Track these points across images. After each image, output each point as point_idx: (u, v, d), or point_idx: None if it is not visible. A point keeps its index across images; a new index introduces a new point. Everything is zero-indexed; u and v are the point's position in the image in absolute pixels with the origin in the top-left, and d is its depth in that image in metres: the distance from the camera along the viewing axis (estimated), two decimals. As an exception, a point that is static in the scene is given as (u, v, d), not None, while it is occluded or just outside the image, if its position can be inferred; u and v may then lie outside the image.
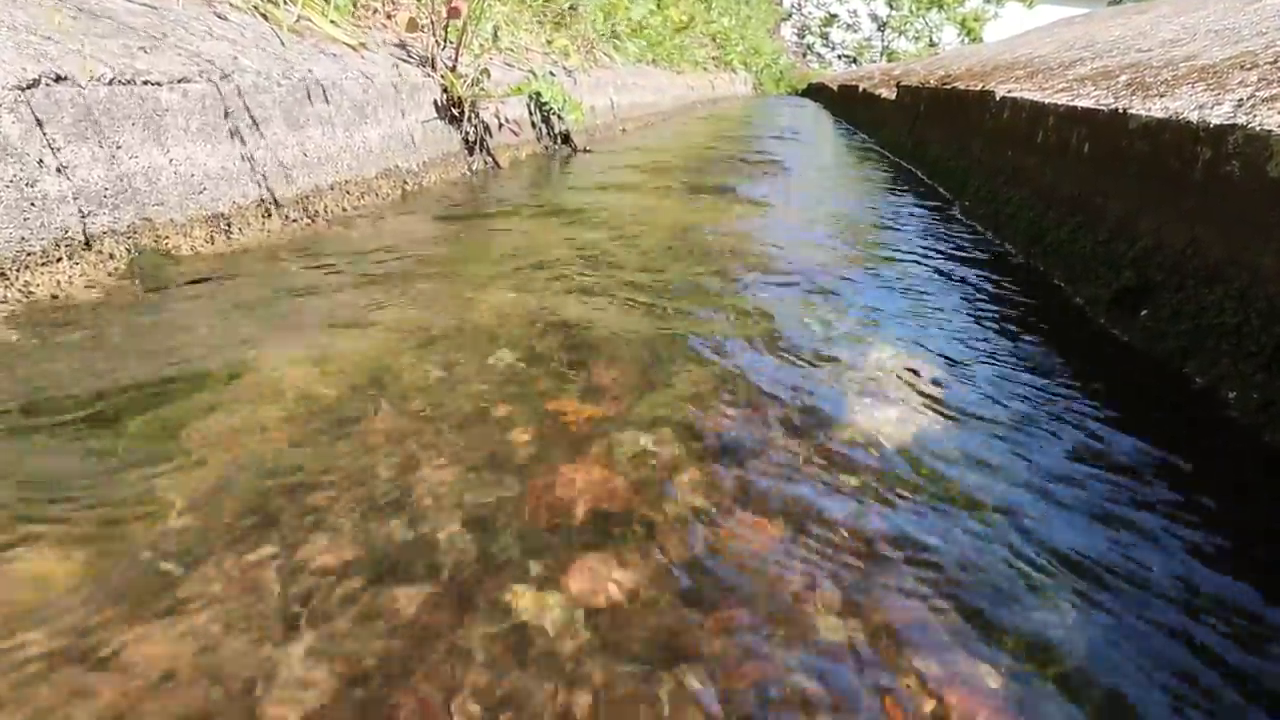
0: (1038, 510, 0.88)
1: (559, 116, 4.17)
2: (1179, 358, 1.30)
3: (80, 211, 1.40)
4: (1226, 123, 1.34)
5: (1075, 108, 2.08)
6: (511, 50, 4.07)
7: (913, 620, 0.71)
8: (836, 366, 1.28)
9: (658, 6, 8.23)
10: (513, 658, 0.64)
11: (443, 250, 1.93)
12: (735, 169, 3.98)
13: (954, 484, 0.93)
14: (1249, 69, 1.69)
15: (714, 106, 11.05)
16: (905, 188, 3.50)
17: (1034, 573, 0.78)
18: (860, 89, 8.51)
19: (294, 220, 2.01)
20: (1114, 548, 0.82)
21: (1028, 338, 1.46)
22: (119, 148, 1.50)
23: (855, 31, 26.87)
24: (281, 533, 0.77)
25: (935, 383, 1.23)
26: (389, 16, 3.23)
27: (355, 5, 2.96)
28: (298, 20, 2.46)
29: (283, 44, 2.25)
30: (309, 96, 2.17)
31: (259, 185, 1.90)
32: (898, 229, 2.49)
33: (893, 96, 5.88)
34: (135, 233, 1.52)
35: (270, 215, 1.92)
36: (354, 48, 2.65)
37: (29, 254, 1.30)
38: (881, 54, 25.37)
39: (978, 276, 1.91)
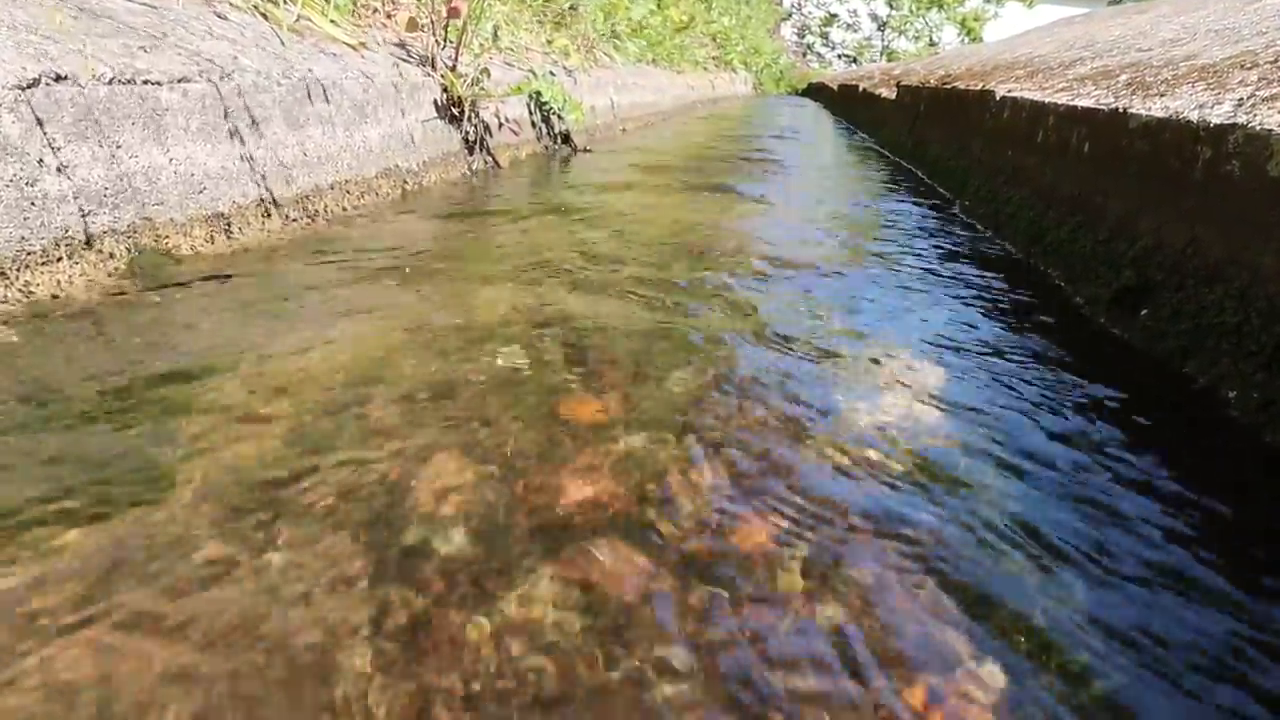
0: (1036, 508, 0.88)
1: (559, 116, 4.17)
2: (1179, 357, 1.30)
3: (80, 211, 1.40)
4: (1227, 122, 1.34)
5: (1075, 107, 2.08)
6: (511, 50, 4.07)
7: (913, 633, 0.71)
8: (836, 364, 1.27)
9: (658, 6, 8.23)
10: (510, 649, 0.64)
11: (443, 249, 1.93)
12: (735, 168, 3.98)
13: (953, 482, 0.93)
14: (1249, 68, 1.69)
15: (714, 106, 11.05)
16: (905, 187, 3.50)
17: (1034, 571, 0.77)
18: (860, 89, 8.50)
19: (294, 220, 2.01)
20: (1113, 547, 0.82)
21: (1028, 337, 1.46)
22: (119, 147, 1.50)
23: (855, 31, 26.87)
24: (285, 521, 0.77)
25: (934, 381, 1.23)
26: (389, 16, 3.23)
27: (355, 5, 2.96)
28: (298, 20, 2.46)
29: (283, 43, 2.25)
30: (309, 96, 2.17)
31: (259, 185, 1.90)
32: (898, 229, 2.49)
33: (893, 96, 5.88)
34: (135, 232, 1.52)
35: (270, 215, 1.92)
36: (354, 47, 2.65)
37: (29, 253, 1.30)
38: (881, 54, 25.36)
39: (977, 276, 1.91)
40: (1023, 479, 0.95)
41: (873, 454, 0.99)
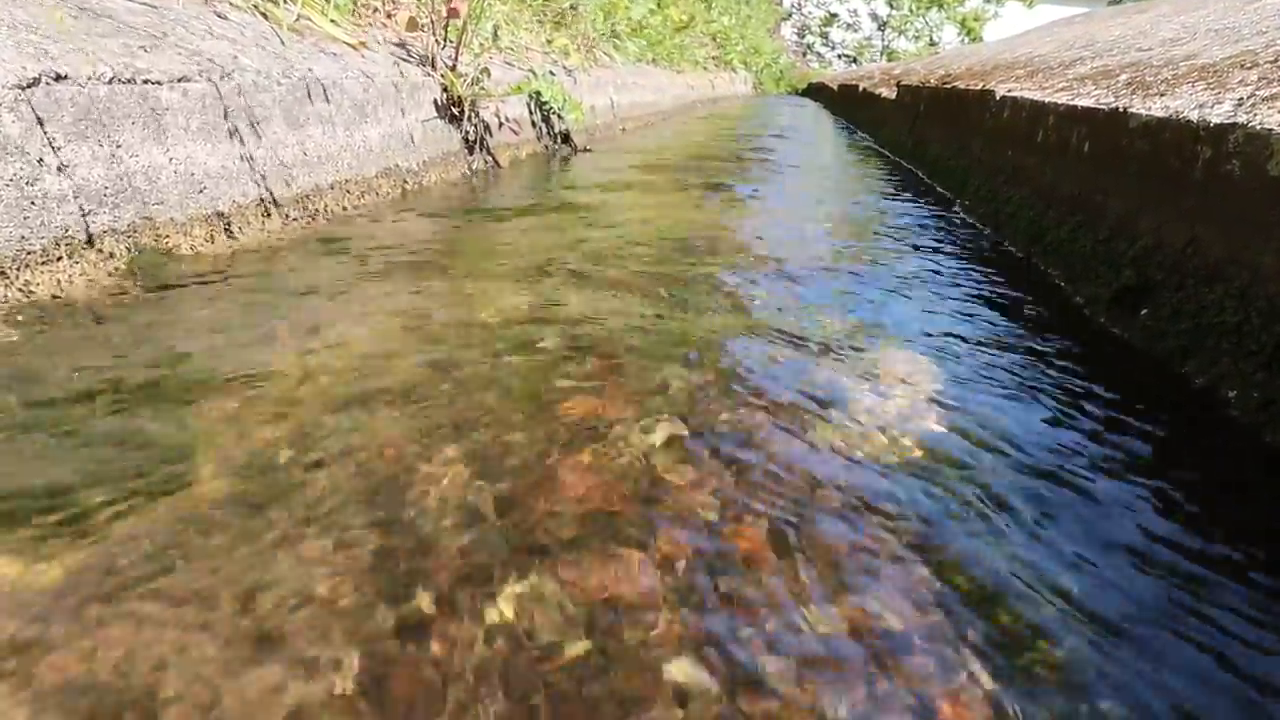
0: (1034, 506, 0.88)
1: (559, 116, 4.17)
2: (1179, 357, 1.30)
3: (80, 210, 1.40)
4: (1227, 121, 1.34)
5: (1075, 107, 2.08)
6: (511, 49, 4.07)
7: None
8: (835, 361, 1.27)
9: (658, 6, 8.23)
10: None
11: (443, 248, 1.93)
12: (735, 168, 3.98)
13: (952, 478, 0.93)
14: (1249, 68, 1.69)
15: (714, 106, 11.05)
16: (905, 187, 3.50)
17: (1029, 566, 0.78)
18: (860, 88, 8.51)
19: (294, 219, 2.01)
20: (1112, 546, 0.82)
21: (1027, 336, 1.46)
22: (119, 146, 1.50)
23: (855, 31, 26.88)
24: (286, 511, 0.77)
25: (931, 378, 1.23)
26: (389, 16, 3.23)
27: (355, 4, 2.96)
28: (298, 19, 2.46)
29: (283, 43, 2.25)
30: (309, 95, 2.17)
31: (259, 184, 1.90)
32: (897, 228, 2.49)
33: (893, 96, 5.88)
34: (135, 231, 1.52)
35: (270, 214, 1.92)
36: (354, 47, 2.65)
37: (29, 252, 1.30)
38: (881, 53, 25.37)
39: (977, 275, 1.91)
40: (1017, 475, 0.95)
41: (868, 450, 0.99)
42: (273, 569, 0.72)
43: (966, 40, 23.28)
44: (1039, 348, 1.40)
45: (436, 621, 0.67)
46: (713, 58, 13.19)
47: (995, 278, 1.89)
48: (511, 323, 1.39)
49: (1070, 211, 1.98)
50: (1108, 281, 1.62)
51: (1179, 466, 0.99)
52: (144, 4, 1.90)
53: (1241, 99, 1.45)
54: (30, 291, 1.29)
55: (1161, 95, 1.75)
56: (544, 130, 4.12)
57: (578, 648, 0.65)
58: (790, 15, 27.25)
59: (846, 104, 9.65)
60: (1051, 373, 1.29)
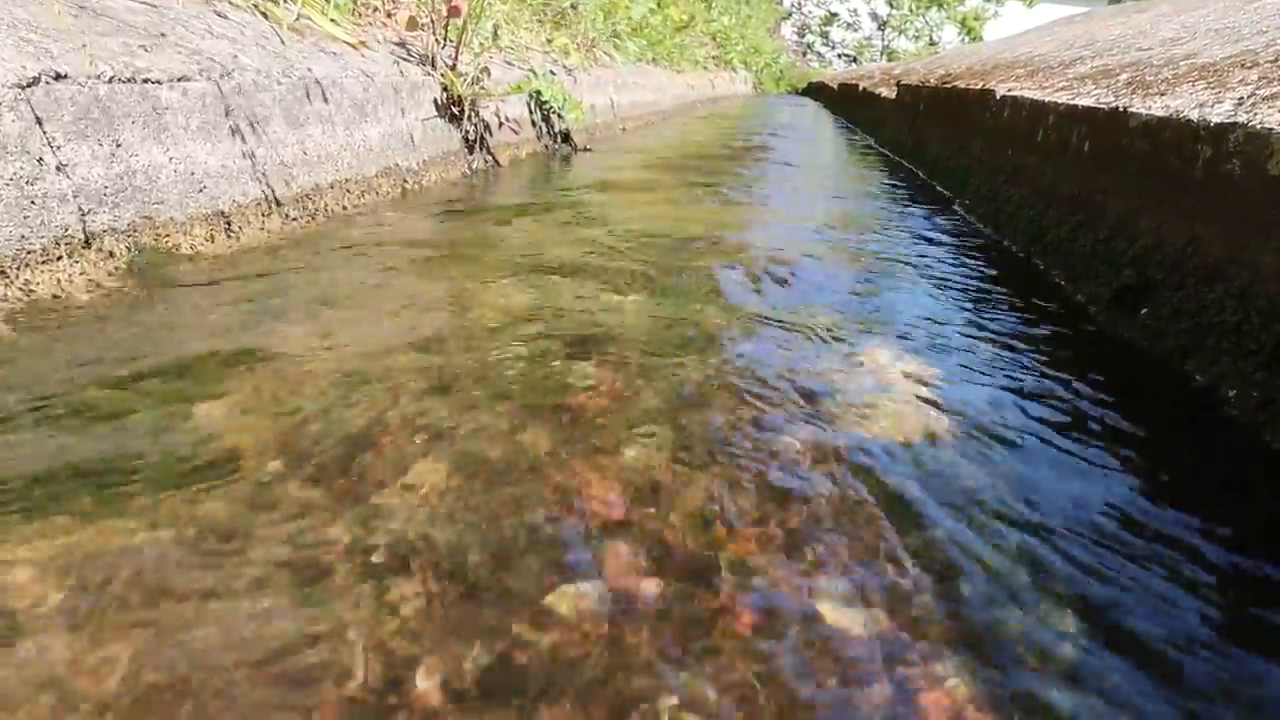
0: (1032, 504, 0.88)
1: (559, 115, 4.17)
2: (1179, 356, 1.30)
3: (80, 210, 1.39)
4: (1227, 121, 1.34)
5: (1075, 106, 2.08)
6: (511, 49, 4.07)
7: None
8: (835, 359, 1.27)
9: (658, 6, 8.23)
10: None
11: (443, 248, 1.93)
12: (735, 167, 3.98)
13: (950, 476, 0.93)
14: (1249, 67, 1.69)
15: (714, 105, 11.05)
16: (905, 186, 3.50)
17: (1026, 565, 0.78)
18: (860, 88, 8.50)
19: (294, 219, 2.00)
20: (1110, 545, 0.82)
21: (1028, 336, 1.46)
22: (119, 146, 1.49)
23: (855, 30, 26.88)
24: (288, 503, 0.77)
25: (930, 377, 1.23)
26: (389, 15, 3.23)
27: (355, 4, 2.96)
28: (298, 19, 2.46)
29: (283, 42, 2.25)
30: (309, 95, 2.17)
31: (259, 184, 1.90)
32: (897, 227, 2.49)
33: (893, 95, 5.88)
34: (135, 231, 1.52)
35: (271, 214, 1.92)
36: (354, 46, 2.65)
37: (29, 252, 1.30)
38: (881, 53, 25.37)
39: (977, 275, 1.91)
40: (1016, 473, 0.95)
41: (867, 444, 0.99)
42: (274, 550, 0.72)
43: (966, 40, 23.28)
44: (1039, 347, 1.40)
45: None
46: (713, 57, 13.19)
47: (995, 277, 1.90)
48: (512, 321, 1.39)
49: (1070, 211, 1.98)
50: (1108, 281, 1.62)
51: (1179, 465, 0.99)
52: (144, 3, 1.90)
53: (1242, 98, 1.45)
54: (30, 291, 1.29)
55: (1162, 95, 1.75)
56: (544, 130, 4.12)
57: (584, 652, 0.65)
58: (790, 15, 27.25)
59: (846, 103, 9.65)
60: (1052, 371, 1.29)
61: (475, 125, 3.25)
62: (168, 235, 1.59)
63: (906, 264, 2.00)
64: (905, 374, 1.25)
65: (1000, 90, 2.89)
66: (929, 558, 0.79)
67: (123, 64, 1.54)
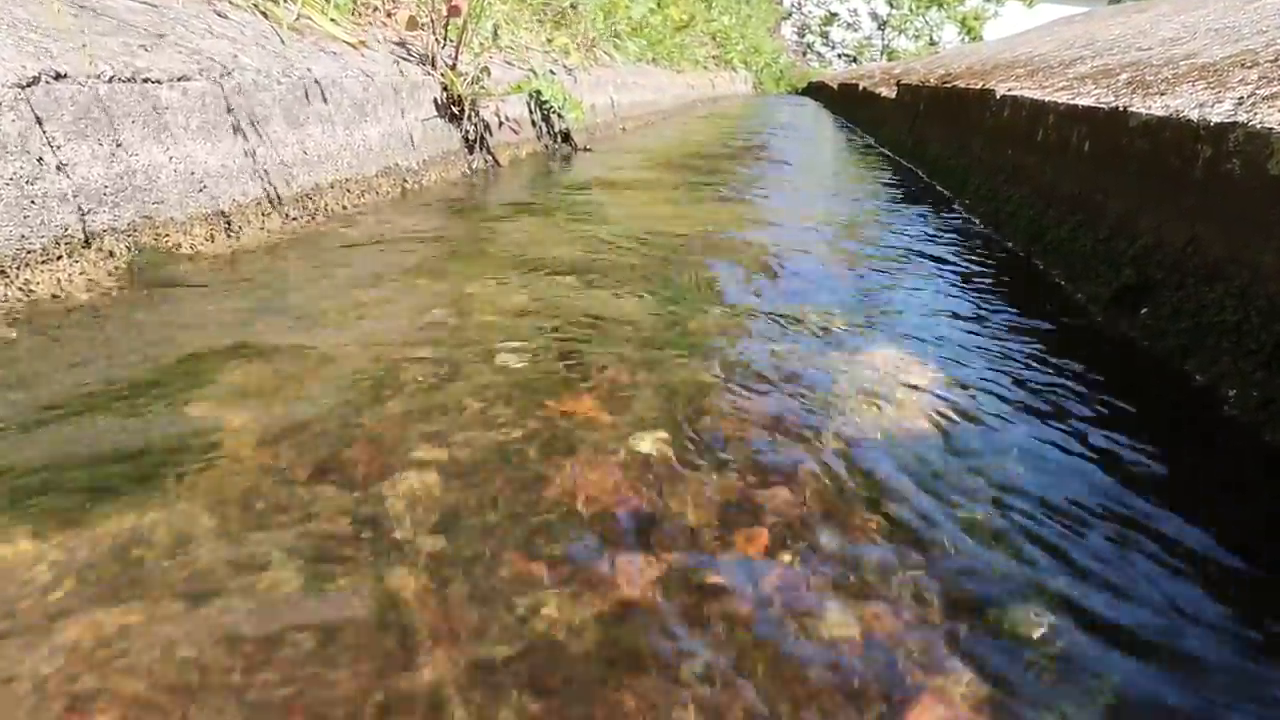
0: (1031, 503, 0.88)
1: (559, 115, 4.17)
2: (1179, 356, 1.30)
3: (80, 209, 1.39)
4: (1227, 121, 1.34)
5: (1075, 106, 2.08)
6: (511, 49, 4.07)
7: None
8: (835, 359, 1.27)
9: (658, 5, 8.23)
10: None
11: (443, 247, 1.93)
12: (735, 167, 3.98)
13: (949, 476, 0.93)
14: (1249, 67, 1.69)
15: (714, 105, 11.05)
16: (905, 186, 3.50)
17: (1024, 565, 0.77)
18: (860, 88, 8.50)
19: (294, 218, 2.00)
20: (1108, 543, 0.82)
21: (1028, 335, 1.46)
22: (119, 145, 1.49)
23: (855, 30, 26.88)
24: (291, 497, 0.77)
25: (930, 376, 1.23)
26: (389, 15, 3.23)
27: (355, 3, 2.96)
28: (298, 18, 2.46)
29: (283, 42, 2.25)
30: (309, 95, 2.17)
31: (259, 183, 1.90)
32: (897, 227, 2.49)
33: (893, 95, 5.88)
34: (135, 231, 1.52)
35: (270, 213, 1.92)
36: (354, 46, 2.65)
37: (29, 252, 1.30)
38: (881, 53, 25.37)
39: (977, 274, 1.91)
40: (1014, 472, 0.95)
41: (867, 443, 0.99)
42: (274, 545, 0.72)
43: (966, 39, 23.29)
44: (1039, 346, 1.40)
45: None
46: (713, 57, 13.19)
47: (995, 277, 1.90)
48: (512, 320, 1.39)
49: (1070, 211, 1.98)
50: (1108, 280, 1.62)
51: (1178, 464, 0.99)
52: (144, 2, 1.90)
53: (1242, 98, 1.45)
54: (30, 290, 1.29)
55: (1162, 94, 1.75)
56: (544, 129, 4.12)
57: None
58: (790, 14, 27.25)
59: (846, 103, 9.65)
60: (1052, 371, 1.29)
61: (475, 125, 3.25)
62: (168, 235, 1.59)
63: (906, 263, 2.00)
64: (904, 372, 1.25)
65: (1000, 90, 2.89)
66: (921, 554, 0.79)
67: (123, 63, 1.54)
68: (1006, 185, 2.56)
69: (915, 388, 1.20)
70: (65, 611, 0.65)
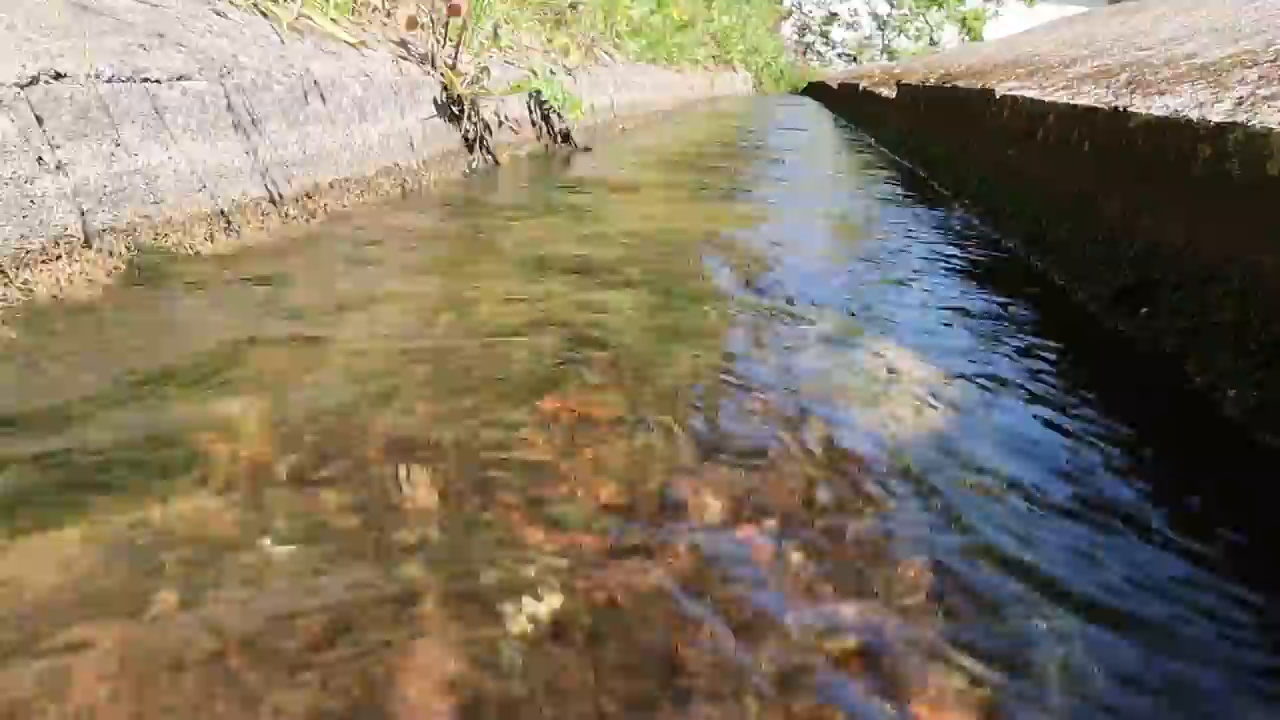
0: (1028, 503, 0.89)
1: (559, 115, 4.17)
2: (1179, 355, 1.30)
3: (79, 209, 1.39)
4: (1227, 120, 1.34)
5: (1075, 106, 2.08)
6: (511, 48, 4.07)
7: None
8: (834, 359, 1.28)
9: (658, 5, 8.23)
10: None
11: (444, 247, 1.93)
12: (735, 166, 3.98)
13: (948, 475, 0.93)
14: (1249, 67, 1.69)
15: (714, 105, 11.05)
16: (904, 185, 3.50)
17: (1019, 564, 0.78)
18: (860, 87, 8.50)
19: (294, 218, 2.00)
20: (1106, 542, 0.82)
21: (1027, 335, 1.46)
22: (118, 145, 1.49)
23: (856, 30, 26.87)
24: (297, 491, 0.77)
25: (929, 375, 1.23)
26: (389, 14, 3.22)
27: (355, 3, 2.96)
28: (298, 18, 2.45)
29: (282, 41, 2.25)
30: (308, 94, 2.17)
31: (259, 183, 1.90)
32: (897, 226, 2.49)
33: (893, 95, 5.87)
34: (135, 230, 1.51)
35: (270, 213, 1.92)
36: (354, 45, 2.65)
37: (28, 251, 1.30)
38: (882, 52, 25.37)
39: (977, 273, 1.91)
40: (1014, 472, 0.95)
41: (867, 442, 0.99)
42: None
43: (967, 39, 23.30)
44: (1038, 346, 1.40)
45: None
46: (713, 57, 13.19)
47: (994, 276, 1.90)
48: (512, 319, 1.39)
49: (1070, 210, 1.98)
50: (1107, 280, 1.62)
51: (1176, 464, 0.99)
52: (143, 2, 1.90)
53: (1241, 98, 1.45)
54: (30, 290, 1.29)
55: (1161, 94, 1.75)
56: (544, 129, 4.12)
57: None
58: (790, 14, 27.24)
59: (847, 103, 9.65)
60: (1051, 371, 1.29)
61: (475, 124, 3.25)
62: (167, 234, 1.59)
63: (905, 262, 2.00)
64: (902, 369, 1.25)
65: (1000, 90, 2.89)
66: (914, 552, 0.79)
67: (122, 63, 1.54)
68: (1006, 185, 2.56)
69: (909, 381, 1.20)
70: (65, 615, 0.65)
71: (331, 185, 2.21)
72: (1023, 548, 0.81)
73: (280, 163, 1.99)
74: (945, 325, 1.51)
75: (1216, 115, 1.40)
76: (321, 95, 2.23)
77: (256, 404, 1.02)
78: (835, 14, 26.92)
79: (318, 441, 0.94)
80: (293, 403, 1.03)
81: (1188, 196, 1.44)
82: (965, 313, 1.60)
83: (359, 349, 1.22)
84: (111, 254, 1.46)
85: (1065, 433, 1.07)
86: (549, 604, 0.69)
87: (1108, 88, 2.11)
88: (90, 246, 1.42)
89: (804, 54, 27.06)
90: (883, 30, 25.92)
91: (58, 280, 1.34)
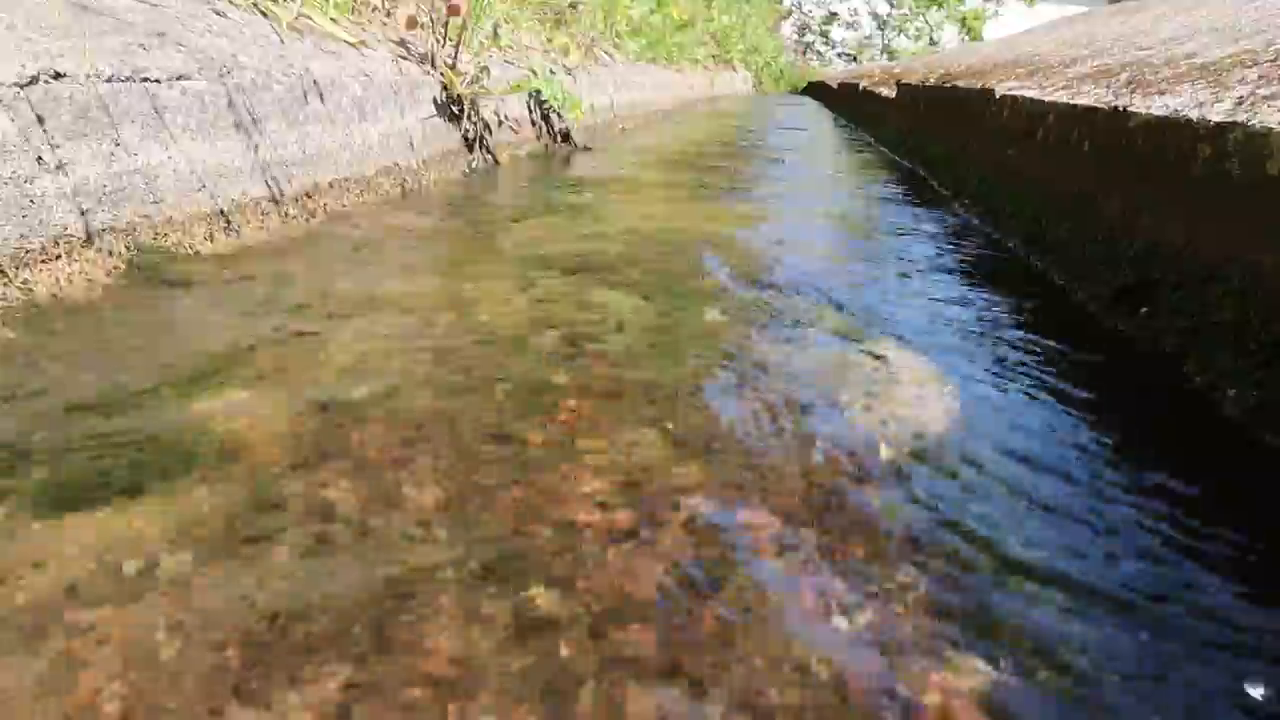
0: (1029, 504, 0.89)
1: (559, 114, 4.17)
2: (1179, 355, 1.30)
3: (79, 209, 1.39)
4: (1227, 120, 1.34)
5: (1075, 106, 2.08)
6: (511, 48, 4.07)
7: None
8: (834, 358, 1.28)
9: (658, 5, 8.22)
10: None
11: (443, 246, 1.93)
12: (735, 166, 3.98)
13: (948, 476, 0.93)
14: (1249, 67, 1.69)
15: (714, 104, 11.04)
16: (904, 185, 3.50)
17: (1021, 564, 0.78)
18: (860, 87, 8.50)
19: (294, 217, 2.00)
20: (1106, 542, 0.82)
21: (1027, 334, 1.46)
22: (118, 145, 1.49)
23: (855, 29, 26.87)
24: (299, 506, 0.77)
25: (928, 374, 1.23)
26: (389, 14, 3.22)
27: (355, 2, 2.96)
28: (297, 17, 2.45)
29: (282, 41, 2.25)
30: (308, 94, 2.17)
31: (259, 182, 1.90)
32: (896, 225, 2.49)
33: (893, 94, 5.87)
34: (134, 230, 1.51)
35: (270, 212, 1.92)
36: (354, 45, 2.65)
37: (28, 251, 1.30)
38: (882, 52, 25.37)
39: (976, 274, 1.91)
40: (1014, 471, 0.95)
41: (867, 442, 0.99)
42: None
43: (967, 39, 23.30)
44: (1038, 345, 1.40)
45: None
46: (713, 56, 13.18)
47: (994, 275, 1.90)
48: (512, 319, 1.39)
49: (1070, 210, 1.98)
50: (1107, 280, 1.62)
51: (1177, 464, 0.99)
52: (143, 1, 1.90)
53: (1241, 98, 1.45)
54: (29, 290, 1.29)
55: (1161, 94, 1.75)
56: (544, 128, 4.12)
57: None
58: (790, 13, 27.24)
59: (846, 102, 9.64)
60: (1051, 370, 1.29)
61: (475, 124, 3.25)
62: (167, 234, 1.59)
63: (905, 262, 2.00)
64: (901, 368, 1.25)
65: (1000, 90, 2.89)
66: (914, 550, 0.79)
67: (122, 63, 1.54)
68: (1006, 184, 2.56)
69: (908, 381, 1.20)
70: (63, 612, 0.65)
71: (331, 185, 2.21)
72: (1022, 547, 0.81)
73: (280, 162, 1.99)
74: (945, 325, 1.51)
75: (1216, 115, 1.40)
76: (321, 95, 2.23)
77: (256, 404, 1.02)
78: (835, 14, 26.93)
79: (318, 440, 0.94)
80: (293, 402, 1.03)
81: (1187, 196, 1.44)
82: (965, 313, 1.60)
83: (359, 349, 1.22)
84: (111, 254, 1.46)
85: (1065, 432, 1.07)
86: (548, 602, 0.69)
87: (1108, 87, 2.11)
88: (90, 246, 1.42)
89: (804, 53, 27.06)
90: (882, 30, 25.92)
91: (57, 280, 1.34)
